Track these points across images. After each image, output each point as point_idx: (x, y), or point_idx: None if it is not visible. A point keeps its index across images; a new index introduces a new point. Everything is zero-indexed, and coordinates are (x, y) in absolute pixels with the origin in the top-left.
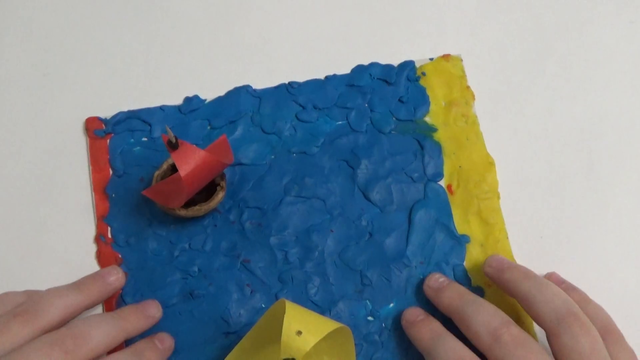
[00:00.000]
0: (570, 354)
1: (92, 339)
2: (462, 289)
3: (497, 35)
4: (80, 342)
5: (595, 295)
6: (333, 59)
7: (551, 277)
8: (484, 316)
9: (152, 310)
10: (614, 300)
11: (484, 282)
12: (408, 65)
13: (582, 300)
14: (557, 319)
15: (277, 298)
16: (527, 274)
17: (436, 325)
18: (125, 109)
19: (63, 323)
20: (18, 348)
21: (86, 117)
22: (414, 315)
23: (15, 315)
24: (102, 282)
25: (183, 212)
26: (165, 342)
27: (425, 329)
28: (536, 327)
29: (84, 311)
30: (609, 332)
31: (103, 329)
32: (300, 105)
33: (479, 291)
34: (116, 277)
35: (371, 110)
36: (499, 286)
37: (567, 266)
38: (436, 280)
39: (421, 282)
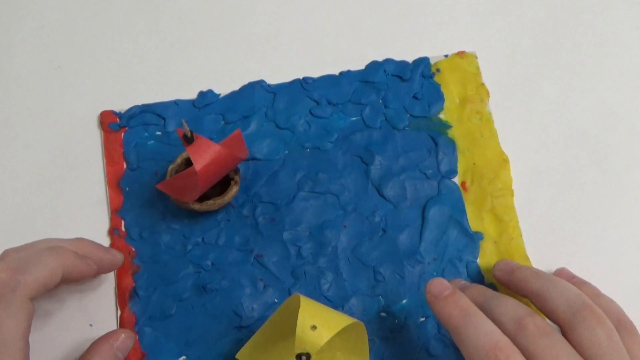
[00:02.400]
0: (588, 346)
1: None
2: (483, 288)
3: (510, 32)
4: None
5: (609, 289)
6: (347, 55)
7: (562, 272)
8: (507, 307)
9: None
10: (628, 295)
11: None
12: (423, 61)
13: (594, 294)
14: (572, 312)
15: (289, 293)
16: (537, 272)
17: (466, 303)
18: (139, 102)
19: None
20: None
21: (101, 111)
22: (441, 289)
23: None
24: None
25: (197, 206)
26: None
27: (454, 306)
28: None
29: None
30: (622, 325)
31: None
32: (315, 101)
33: (492, 289)
34: None
35: (385, 107)
36: (511, 288)
37: (581, 261)
38: (459, 282)
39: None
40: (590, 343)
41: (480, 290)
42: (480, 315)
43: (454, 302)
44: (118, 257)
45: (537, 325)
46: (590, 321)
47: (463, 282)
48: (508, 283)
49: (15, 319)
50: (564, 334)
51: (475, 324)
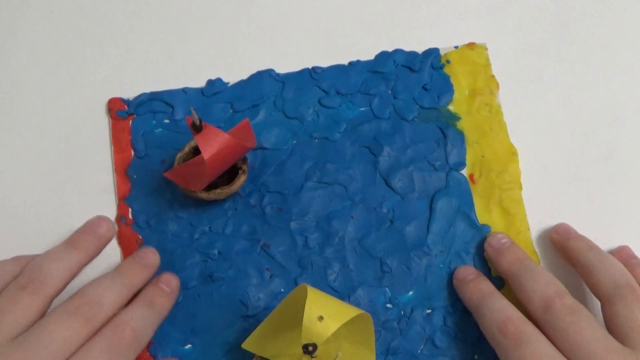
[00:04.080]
0: (621, 322)
1: (105, 302)
2: (523, 254)
3: (521, 24)
4: (96, 308)
5: None
6: (357, 45)
7: (622, 251)
8: (540, 284)
9: (151, 259)
10: None
11: None
12: (432, 52)
13: None
14: (613, 288)
15: (296, 283)
16: (591, 246)
17: (486, 285)
18: (148, 90)
19: (66, 285)
20: (37, 322)
21: (109, 98)
22: (466, 274)
23: (21, 288)
24: (95, 236)
25: (204, 195)
26: (171, 283)
27: (475, 288)
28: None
29: (83, 268)
30: None
31: (113, 291)
32: (323, 91)
33: (498, 282)
34: (107, 228)
35: (394, 97)
36: (562, 254)
37: None
38: (499, 241)
39: (441, 271)
40: (625, 320)
41: (518, 255)
42: (498, 295)
43: (475, 285)
44: (108, 235)
45: (564, 304)
46: (629, 299)
47: (505, 239)
48: (561, 248)
49: None
50: (603, 309)
51: (492, 303)
